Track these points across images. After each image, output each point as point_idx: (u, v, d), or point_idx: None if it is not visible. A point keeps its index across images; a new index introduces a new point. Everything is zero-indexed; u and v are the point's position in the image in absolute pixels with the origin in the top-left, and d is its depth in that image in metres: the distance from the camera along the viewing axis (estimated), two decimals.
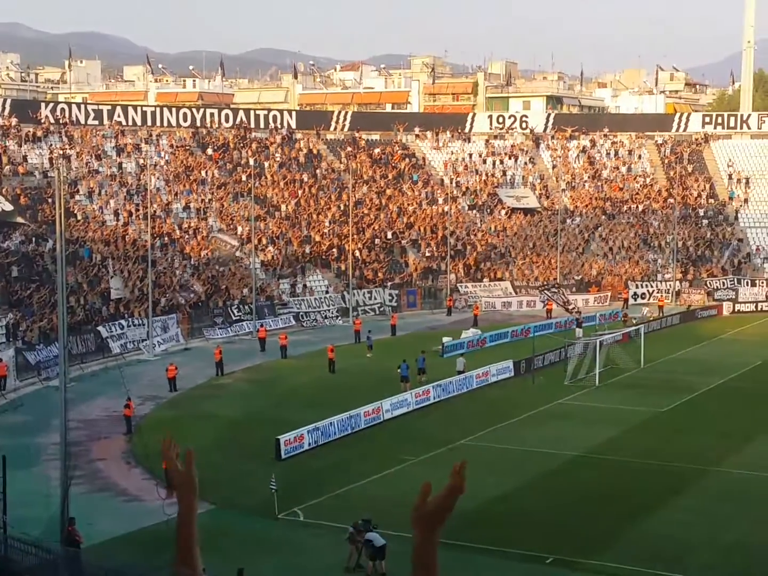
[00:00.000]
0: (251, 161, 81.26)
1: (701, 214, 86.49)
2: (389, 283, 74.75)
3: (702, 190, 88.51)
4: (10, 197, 65.71)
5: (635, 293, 78.01)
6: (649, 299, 77.12)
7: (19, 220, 64.05)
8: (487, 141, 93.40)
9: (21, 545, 23.21)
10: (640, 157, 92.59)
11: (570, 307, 68.37)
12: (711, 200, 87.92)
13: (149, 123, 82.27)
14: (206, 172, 79.63)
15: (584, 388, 48.75)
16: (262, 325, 62.36)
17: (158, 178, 76.06)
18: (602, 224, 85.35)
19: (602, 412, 44.52)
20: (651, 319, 68.14)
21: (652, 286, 79.10)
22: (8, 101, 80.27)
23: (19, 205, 65.75)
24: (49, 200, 66.22)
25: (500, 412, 43.52)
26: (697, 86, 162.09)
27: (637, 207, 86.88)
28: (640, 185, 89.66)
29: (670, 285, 78.80)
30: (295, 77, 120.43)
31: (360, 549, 26.56)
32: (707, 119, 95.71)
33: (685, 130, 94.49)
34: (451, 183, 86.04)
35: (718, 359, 56.73)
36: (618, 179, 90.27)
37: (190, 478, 4.34)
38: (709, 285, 78.90)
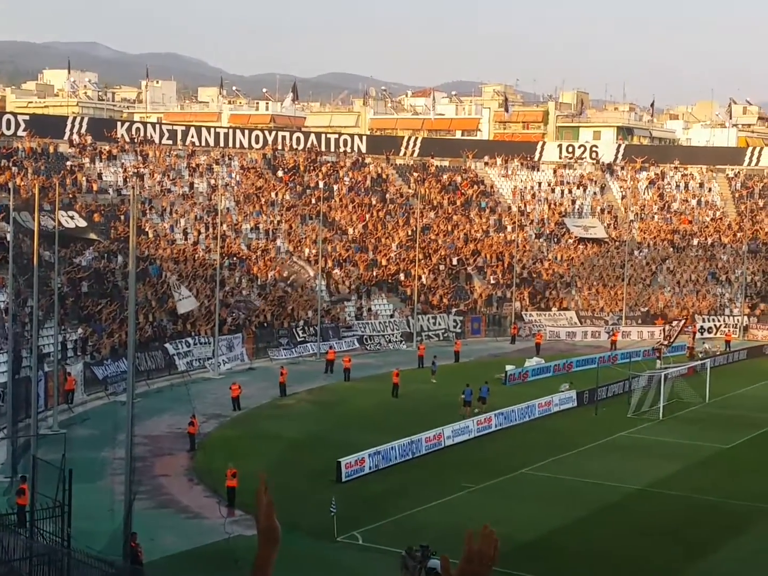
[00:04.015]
0: (321, 184, 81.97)
1: None
2: (454, 310, 74.84)
3: None
4: (84, 213, 66.89)
5: (702, 327, 77.22)
6: (715, 334, 76.33)
7: (92, 236, 65.10)
8: (555, 170, 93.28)
9: (84, 558, 23.56)
10: (710, 190, 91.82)
11: (661, 344, 64.70)
12: None
13: (222, 144, 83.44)
14: (276, 194, 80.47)
15: (647, 421, 48.38)
16: (331, 347, 62.74)
17: (229, 199, 77.03)
18: (670, 257, 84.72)
19: (665, 446, 44.09)
20: (717, 354, 67.32)
21: (719, 321, 78.30)
22: (85, 119, 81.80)
23: (92, 222, 66.90)
24: (122, 217, 67.36)
25: (562, 443, 43.34)
26: None
27: (705, 240, 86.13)
28: (710, 218, 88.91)
29: (737, 320, 77.95)
30: (365, 103, 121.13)
31: (413, 574, 26.56)
32: None
33: (757, 164, 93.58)
34: (519, 211, 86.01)
35: None
36: (687, 212, 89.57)
37: (275, 528, 4.36)
38: None
